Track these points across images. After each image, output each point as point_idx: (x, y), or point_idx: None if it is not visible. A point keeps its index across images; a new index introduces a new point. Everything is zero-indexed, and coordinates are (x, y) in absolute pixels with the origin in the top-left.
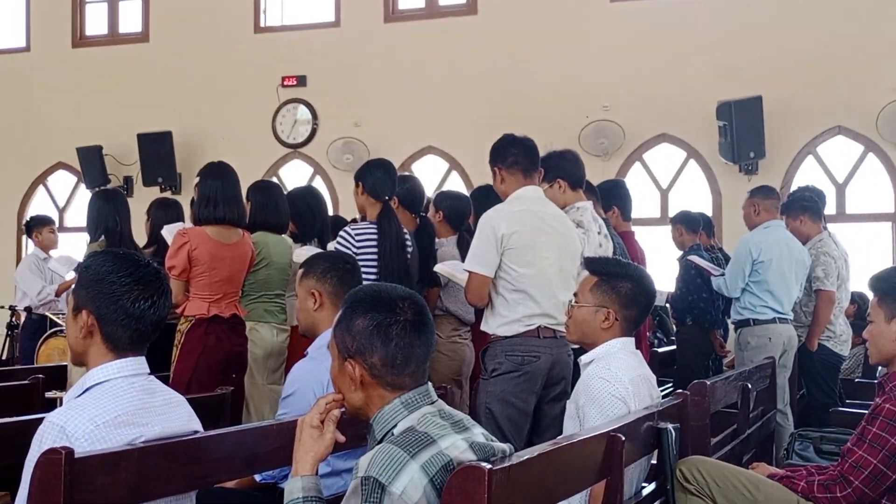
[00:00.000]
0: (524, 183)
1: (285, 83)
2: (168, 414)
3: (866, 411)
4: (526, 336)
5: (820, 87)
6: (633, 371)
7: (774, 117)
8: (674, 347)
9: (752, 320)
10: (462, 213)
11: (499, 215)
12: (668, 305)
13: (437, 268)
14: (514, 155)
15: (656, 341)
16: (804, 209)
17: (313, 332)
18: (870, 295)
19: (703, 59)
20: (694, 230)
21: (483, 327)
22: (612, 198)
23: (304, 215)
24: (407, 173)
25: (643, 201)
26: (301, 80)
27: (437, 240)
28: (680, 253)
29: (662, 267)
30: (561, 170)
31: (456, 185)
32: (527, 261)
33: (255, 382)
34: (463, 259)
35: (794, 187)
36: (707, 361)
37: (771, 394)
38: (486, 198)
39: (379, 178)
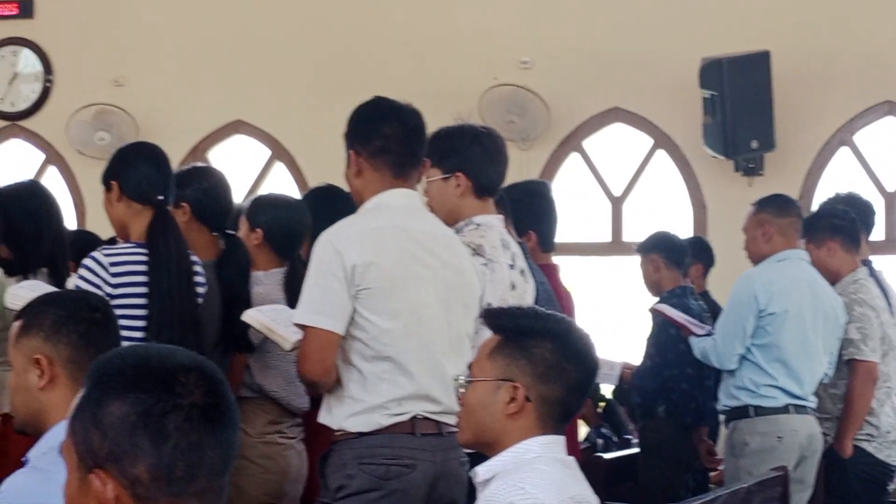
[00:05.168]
0: (393, 183)
1: None
2: None
3: None
4: (393, 432)
5: (860, 40)
6: (563, 491)
7: (789, 85)
8: (630, 452)
9: (752, 408)
10: (292, 231)
11: (346, 235)
12: (621, 386)
13: (247, 315)
14: (384, 137)
15: (601, 442)
16: (833, 231)
17: (38, 425)
18: None
19: None
20: (678, 263)
21: (322, 418)
22: (530, 213)
23: (23, 230)
24: (202, 164)
25: (584, 215)
26: (24, 9)
27: (252, 274)
28: (649, 301)
29: (612, 321)
30: (468, 160)
31: (282, 182)
32: (393, 309)
33: None
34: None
35: (819, 197)
36: (686, 476)
37: None
38: (325, 206)
39: (145, 173)
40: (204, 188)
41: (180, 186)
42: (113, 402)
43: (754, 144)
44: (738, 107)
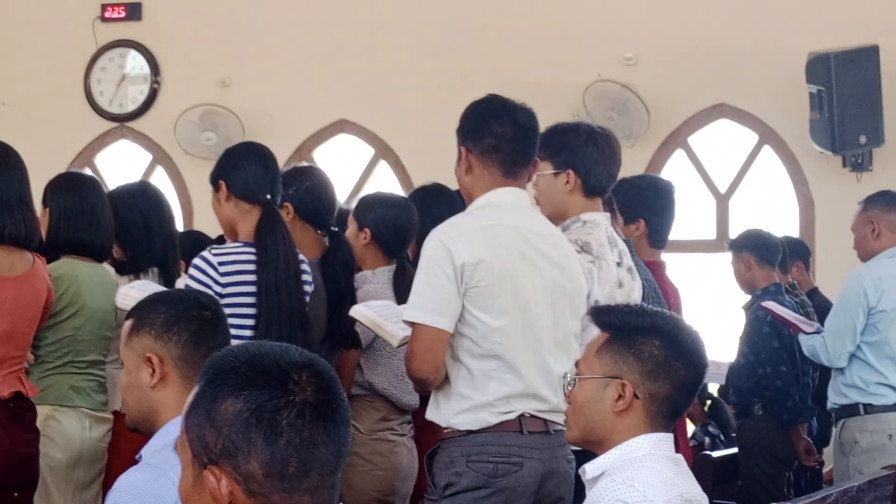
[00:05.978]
0: (503, 182)
1: (107, 15)
2: None
3: None
4: (502, 431)
5: None
6: (673, 488)
7: None
8: (737, 451)
9: (862, 406)
10: (400, 230)
11: (456, 233)
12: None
13: (355, 311)
14: (495, 136)
15: (708, 440)
16: None
17: (150, 423)
18: None
19: None
20: (770, 261)
21: (430, 415)
22: (642, 201)
23: (135, 230)
24: (305, 164)
25: (690, 212)
26: (132, 11)
27: (358, 273)
28: (747, 298)
29: (718, 319)
30: (580, 158)
31: (386, 182)
32: (501, 307)
33: None
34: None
35: None
36: (786, 474)
37: None
38: (432, 205)
39: (252, 173)
40: (306, 187)
41: (283, 186)
42: (227, 399)
43: (862, 140)
44: (845, 102)
